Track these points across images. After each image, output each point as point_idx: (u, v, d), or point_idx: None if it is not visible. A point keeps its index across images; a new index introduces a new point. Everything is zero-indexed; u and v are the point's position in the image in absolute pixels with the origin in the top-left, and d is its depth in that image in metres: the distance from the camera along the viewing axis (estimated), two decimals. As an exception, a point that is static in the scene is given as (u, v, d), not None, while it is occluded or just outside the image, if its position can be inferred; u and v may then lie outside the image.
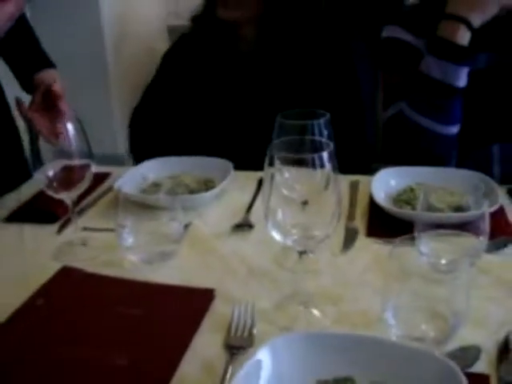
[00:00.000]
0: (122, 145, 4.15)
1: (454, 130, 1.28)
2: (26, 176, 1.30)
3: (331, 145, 0.71)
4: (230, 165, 1.23)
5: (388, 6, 3.23)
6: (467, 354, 0.69)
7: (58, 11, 3.80)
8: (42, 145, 0.97)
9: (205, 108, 1.50)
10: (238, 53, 1.50)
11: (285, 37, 1.43)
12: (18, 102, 1.12)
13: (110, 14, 4.00)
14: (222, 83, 1.50)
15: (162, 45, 4.32)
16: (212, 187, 1.17)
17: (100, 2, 3.91)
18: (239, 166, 1.25)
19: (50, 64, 1.32)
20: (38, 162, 0.97)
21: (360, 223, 1.05)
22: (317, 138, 0.80)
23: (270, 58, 1.46)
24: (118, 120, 4.16)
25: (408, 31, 1.37)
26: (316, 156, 0.68)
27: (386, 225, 1.00)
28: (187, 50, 1.57)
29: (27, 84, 1.26)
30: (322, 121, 0.86)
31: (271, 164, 0.71)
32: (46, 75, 1.24)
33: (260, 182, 1.21)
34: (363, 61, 1.56)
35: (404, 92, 1.32)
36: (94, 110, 3.51)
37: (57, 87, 1.12)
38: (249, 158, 1.24)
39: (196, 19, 1.54)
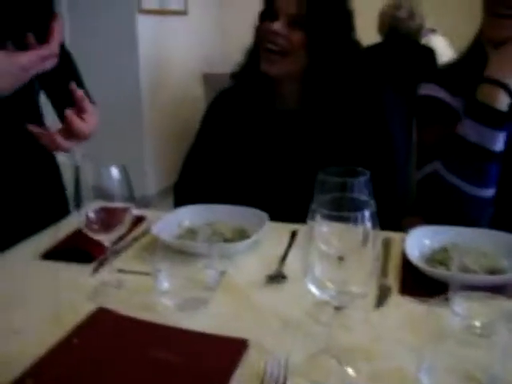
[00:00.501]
0: (150, 187, 4.22)
1: (490, 193, 1.28)
2: (65, 214, 1.33)
3: (373, 203, 0.72)
4: (265, 215, 1.25)
5: (422, 59, 3.28)
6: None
7: (97, 54, 3.95)
8: (84, 184, 1.00)
9: (245, 163, 1.52)
10: (276, 109, 1.53)
11: (326, 93, 1.46)
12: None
13: (146, 59, 4.11)
14: (261, 139, 1.52)
15: (197, 92, 4.44)
16: (247, 237, 1.18)
17: (139, 48, 4.02)
18: (273, 216, 1.27)
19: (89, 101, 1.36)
20: (79, 200, 1.00)
21: (393, 281, 1.05)
22: (357, 195, 0.81)
23: (309, 114, 1.49)
24: (150, 163, 4.24)
25: (445, 89, 1.38)
26: (358, 214, 0.69)
27: (420, 284, 1.00)
28: (227, 106, 1.59)
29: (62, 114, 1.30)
30: (362, 179, 0.87)
31: (312, 218, 0.72)
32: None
33: (293, 234, 1.22)
34: (396, 114, 1.58)
35: (439, 151, 1.33)
36: (126, 152, 3.59)
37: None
38: (284, 214, 1.25)
39: (237, 75, 1.57)
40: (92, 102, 1.35)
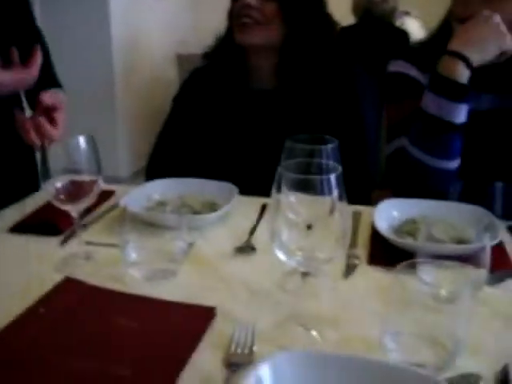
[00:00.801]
0: (123, 168, 4.18)
1: (453, 165, 1.30)
2: (36, 189, 1.32)
3: (339, 168, 0.72)
4: (234, 189, 1.24)
5: (395, 41, 3.30)
6: (467, 382, 0.69)
7: (69, 36, 3.88)
8: (53, 160, 0.99)
9: (217, 141, 1.52)
10: (250, 88, 1.53)
11: (301, 69, 1.46)
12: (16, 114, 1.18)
13: (120, 40, 4.06)
14: (234, 118, 1.52)
15: (171, 72, 4.39)
16: (216, 209, 1.18)
17: (111, 29, 3.97)
18: (245, 193, 1.27)
19: (57, 84, 1.35)
20: (47, 174, 0.99)
21: (361, 251, 1.06)
22: (325, 161, 0.81)
23: (283, 93, 1.48)
24: (123, 145, 4.20)
25: (413, 66, 1.39)
26: (324, 178, 0.70)
27: (388, 254, 1.01)
28: (200, 85, 1.58)
29: (33, 102, 1.29)
30: (330, 146, 0.88)
31: (279, 188, 0.72)
32: (50, 95, 1.26)
33: (263, 208, 1.22)
34: (368, 93, 1.59)
35: (406, 127, 1.34)
36: (99, 132, 3.52)
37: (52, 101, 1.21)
38: (254, 185, 1.25)
39: (210, 54, 1.56)
40: (59, 85, 1.35)
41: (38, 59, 1.18)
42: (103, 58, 4.00)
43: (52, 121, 1.22)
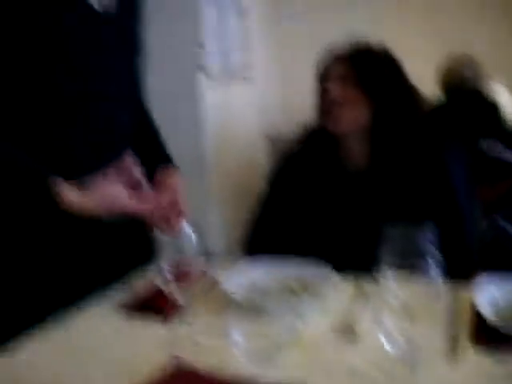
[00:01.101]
0: (214, 245, 4.25)
1: None
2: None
3: (438, 252, 0.73)
4: (332, 270, 1.26)
5: (487, 117, 3.27)
6: None
7: (159, 115, 4.07)
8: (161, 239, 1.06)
9: (310, 218, 1.55)
10: (343, 170, 1.57)
11: (392, 148, 1.49)
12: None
13: (211, 122, 4.24)
14: (328, 199, 1.55)
15: (261, 154, 4.53)
16: (315, 292, 1.20)
17: (202, 110, 4.15)
18: (342, 272, 1.28)
19: (169, 159, 1.43)
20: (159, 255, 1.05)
21: (464, 334, 1.04)
22: (423, 247, 0.82)
23: (376, 173, 1.51)
24: (213, 225, 4.29)
25: (508, 149, 1.39)
26: (424, 262, 0.71)
27: (493, 336, 0.99)
28: (294, 168, 1.65)
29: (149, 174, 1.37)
30: (427, 230, 0.89)
31: (379, 273, 0.74)
32: (170, 181, 1.32)
33: (361, 289, 1.23)
34: (461, 171, 1.58)
35: (501, 205, 1.33)
36: (191, 211, 3.62)
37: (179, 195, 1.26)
38: (351, 265, 1.27)
39: (302, 138, 1.63)
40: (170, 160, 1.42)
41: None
42: (194, 139, 4.15)
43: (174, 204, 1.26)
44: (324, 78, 1.57)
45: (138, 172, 1.20)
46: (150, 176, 1.35)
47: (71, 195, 1.11)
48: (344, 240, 1.51)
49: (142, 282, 1.34)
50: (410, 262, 0.72)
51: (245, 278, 1.27)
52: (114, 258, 1.34)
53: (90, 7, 1.20)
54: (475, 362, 0.95)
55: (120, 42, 1.29)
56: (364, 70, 1.51)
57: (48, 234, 1.20)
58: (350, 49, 1.56)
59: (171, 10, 3.82)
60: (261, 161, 4.47)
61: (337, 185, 1.56)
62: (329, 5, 5.00)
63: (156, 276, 1.06)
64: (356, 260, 1.42)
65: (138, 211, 1.16)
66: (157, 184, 1.29)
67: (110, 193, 1.13)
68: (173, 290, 1.04)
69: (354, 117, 1.50)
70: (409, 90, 1.55)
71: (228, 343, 1.00)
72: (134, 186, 1.19)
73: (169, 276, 1.04)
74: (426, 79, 2.66)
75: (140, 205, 1.16)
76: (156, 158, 1.40)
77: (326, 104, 1.53)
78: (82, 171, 1.19)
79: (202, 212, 4.18)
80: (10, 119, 1.17)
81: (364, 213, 1.50)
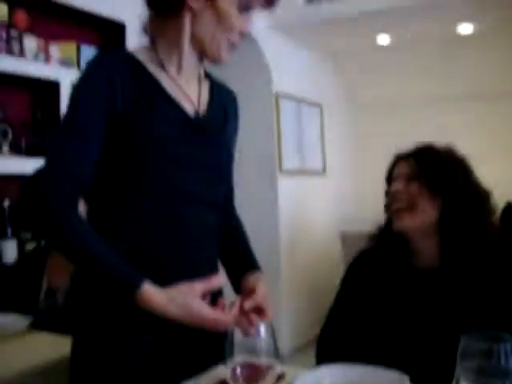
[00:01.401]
0: (284, 343, 4.19)
1: None
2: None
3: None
4: (406, 378, 1.22)
5: None
6: None
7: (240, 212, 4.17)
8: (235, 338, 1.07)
9: (385, 323, 1.53)
10: (415, 268, 1.55)
11: (464, 247, 1.47)
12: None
13: (286, 216, 4.29)
14: (401, 299, 1.53)
15: (335, 249, 4.52)
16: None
17: (279, 205, 4.22)
18: (415, 382, 1.24)
19: (254, 265, 1.44)
20: (231, 352, 1.06)
21: None
22: (504, 363, 0.79)
23: (449, 271, 1.49)
24: (286, 319, 4.25)
25: None
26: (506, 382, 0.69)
27: None
28: (367, 267, 1.64)
29: (235, 284, 1.41)
30: (509, 345, 0.86)
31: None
32: (259, 288, 1.32)
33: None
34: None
35: None
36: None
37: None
38: (425, 376, 1.23)
39: (375, 236, 1.64)
40: (256, 265, 1.44)
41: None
42: (271, 234, 4.22)
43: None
44: (390, 178, 1.61)
45: (220, 281, 1.23)
46: (236, 279, 1.41)
47: (158, 297, 1.14)
48: (416, 343, 1.47)
49: (212, 380, 1.33)
50: (491, 381, 0.70)
51: (316, 381, 1.25)
52: (188, 355, 1.35)
53: (188, 117, 1.29)
54: None
55: (217, 148, 1.35)
56: (428, 168, 1.52)
57: (126, 330, 1.23)
58: (416, 151, 1.59)
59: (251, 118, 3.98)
60: (335, 256, 4.45)
61: (407, 282, 1.54)
62: (404, 100, 5.10)
63: (227, 375, 1.06)
64: (430, 367, 1.38)
65: (217, 323, 1.17)
66: (245, 289, 1.32)
67: (192, 305, 1.15)
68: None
69: (420, 216, 1.50)
70: (476, 188, 1.54)
71: None
72: (215, 295, 1.24)
73: (239, 375, 1.04)
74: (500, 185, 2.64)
75: (220, 316, 1.17)
76: (243, 262, 1.44)
77: (391, 204, 1.55)
78: (171, 273, 1.24)
79: (275, 308, 4.15)
80: (109, 214, 1.25)
81: (437, 313, 1.46)
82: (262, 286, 1.34)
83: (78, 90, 1.24)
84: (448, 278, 1.49)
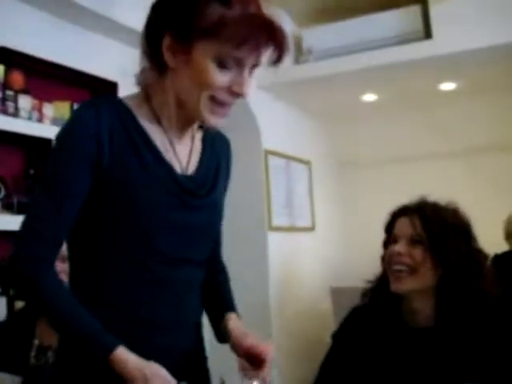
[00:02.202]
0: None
1: None
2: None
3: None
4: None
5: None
6: None
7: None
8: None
9: (374, 374, 1.52)
10: (408, 327, 1.55)
11: (459, 309, 1.48)
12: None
13: (276, 272, 4.28)
14: (394, 358, 1.52)
15: (325, 304, 4.49)
16: None
17: (269, 262, 4.22)
18: None
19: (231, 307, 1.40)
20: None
21: None
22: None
23: (442, 331, 1.49)
24: (277, 374, 4.18)
25: None
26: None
27: None
28: (359, 324, 1.64)
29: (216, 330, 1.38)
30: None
31: None
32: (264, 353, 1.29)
33: None
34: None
35: None
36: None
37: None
38: None
39: (367, 293, 1.64)
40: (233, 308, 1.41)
41: None
42: (260, 290, 4.19)
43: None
44: (393, 236, 1.59)
45: None
46: (216, 324, 1.37)
47: (132, 362, 1.09)
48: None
49: None
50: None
51: None
52: None
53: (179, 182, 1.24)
54: None
55: (209, 207, 1.31)
56: (434, 234, 1.51)
57: None
58: (420, 209, 1.57)
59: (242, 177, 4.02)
60: (325, 312, 4.43)
61: (401, 342, 1.54)
62: (391, 157, 5.18)
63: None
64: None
65: None
66: (249, 350, 1.28)
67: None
68: None
69: (420, 280, 1.50)
70: (476, 254, 1.56)
71: None
72: None
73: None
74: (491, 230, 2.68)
75: None
76: (222, 309, 1.39)
77: (391, 263, 1.55)
78: (154, 331, 1.21)
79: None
80: (93, 269, 1.21)
81: (429, 374, 1.46)
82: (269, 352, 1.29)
83: (61, 143, 1.19)
84: (442, 337, 1.49)
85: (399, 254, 1.52)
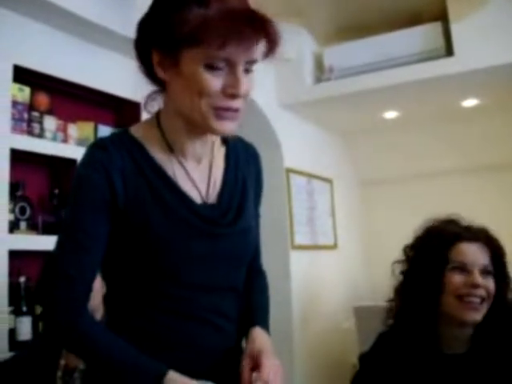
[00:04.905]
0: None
1: None
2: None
3: None
4: None
5: None
6: None
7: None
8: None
9: None
10: (442, 353, 1.53)
11: (498, 338, 1.45)
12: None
13: (298, 291, 4.26)
14: (421, 376, 1.49)
15: (348, 324, 4.45)
16: None
17: (292, 281, 4.20)
18: None
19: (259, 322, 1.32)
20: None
21: None
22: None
23: (477, 358, 1.46)
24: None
25: None
26: None
27: None
28: (389, 348, 1.60)
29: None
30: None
31: None
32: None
33: None
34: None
35: None
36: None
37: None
38: None
39: (399, 317, 1.61)
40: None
41: None
42: (283, 307, 4.16)
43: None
44: (458, 263, 1.53)
45: None
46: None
47: (185, 381, 1.08)
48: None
49: None
50: None
51: None
52: None
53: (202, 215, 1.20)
54: None
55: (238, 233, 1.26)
56: (500, 265, 1.54)
57: None
58: (487, 237, 1.57)
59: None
60: (348, 331, 4.39)
61: (431, 366, 1.51)
62: (413, 174, 5.15)
63: None
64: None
65: None
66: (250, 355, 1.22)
67: None
68: None
69: (486, 309, 1.51)
70: (509, 278, 1.57)
71: None
72: None
73: None
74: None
75: None
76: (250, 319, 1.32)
77: (466, 295, 1.50)
78: (186, 360, 1.18)
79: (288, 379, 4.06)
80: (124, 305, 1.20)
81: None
82: (268, 362, 1.20)
83: (75, 188, 1.17)
84: (477, 363, 1.47)
85: (478, 286, 1.49)
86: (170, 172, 1.20)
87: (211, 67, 1.09)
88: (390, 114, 4.74)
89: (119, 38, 2.75)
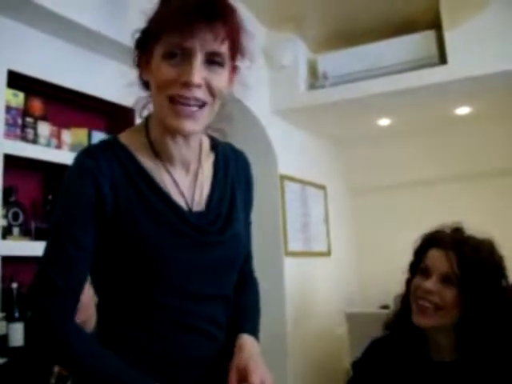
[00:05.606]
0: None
1: None
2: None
3: None
4: None
5: None
6: None
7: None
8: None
9: None
10: (431, 361, 1.53)
11: (482, 343, 1.44)
12: None
13: (291, 297, 4.26)
14: (411, 383, 1.51)
15: (340, 330, 4.45)
16: None
17: (285, 286, 4.20)
18: None
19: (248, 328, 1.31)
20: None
21: None
22: None
23: (465, 365, 1.46)
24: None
25: None
26: None
27: None
28: (380, 355, 1.61)
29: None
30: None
31: None
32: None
33: None
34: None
35: None
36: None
37: None
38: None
39: (390, 325, 1.62)
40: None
41: None
42: (276, 313, 4.16)
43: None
44: (424, 267, 1.54)
45: None
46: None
47: None
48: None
49: None
50: None
51: None
52: None
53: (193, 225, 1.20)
54: None
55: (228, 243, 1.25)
56: (470, 277, 1.46)
57: None
58: (458, 245, 1.51)
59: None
60: (340, 337, 4.39)
61: (421, 373, 1.52)
62: (406, 181, 5.17)
63: None
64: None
65: None
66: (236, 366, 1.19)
67: None
68: None
69: (443, 317, 1.47)
70: (504, 292, 1.51)
71: None
72: None
73: None
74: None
75: None
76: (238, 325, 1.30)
77: (418, 298, 1.51)
78: (178, 369, 1.17)
79: (280, 376, 4.05)
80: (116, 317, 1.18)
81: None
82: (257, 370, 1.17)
83: (63, 197, 1.17)
84: (465, 371, 1.47)
85: (430, 291, 1.48)
86: (158, 179, 1.20)
87: (168, 56, 1.11)
88: (384, 122, 4.76)
89: (113, 44, 2.75)
